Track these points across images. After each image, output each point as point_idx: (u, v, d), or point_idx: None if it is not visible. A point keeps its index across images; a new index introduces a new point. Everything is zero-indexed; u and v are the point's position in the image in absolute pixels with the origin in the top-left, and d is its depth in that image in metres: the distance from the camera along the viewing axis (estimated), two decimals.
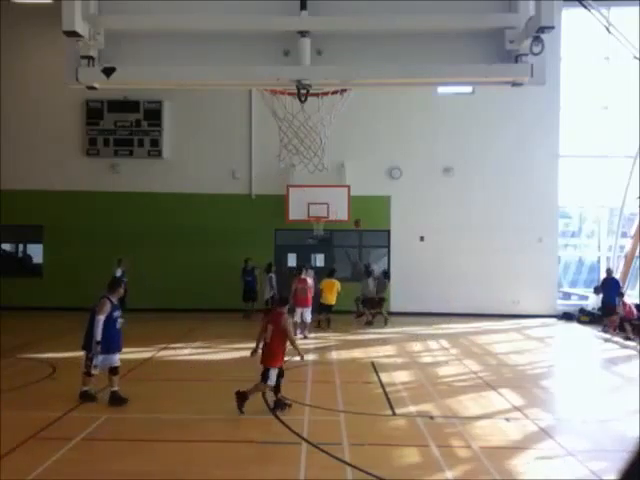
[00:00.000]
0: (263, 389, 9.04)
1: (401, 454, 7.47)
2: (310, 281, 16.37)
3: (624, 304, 17.39)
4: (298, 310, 15.78)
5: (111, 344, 9.16)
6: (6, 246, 22.74)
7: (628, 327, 16.90)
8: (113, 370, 9.27)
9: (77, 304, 19.99)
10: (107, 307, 9.13)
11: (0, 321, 16.53)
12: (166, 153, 21.30)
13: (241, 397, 8.76)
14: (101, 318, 8.99)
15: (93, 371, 9.17)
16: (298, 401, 9.47)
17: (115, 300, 9.38)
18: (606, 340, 16.82)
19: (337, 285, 17.60)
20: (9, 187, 20.85)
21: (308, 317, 16.01)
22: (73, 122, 21.25)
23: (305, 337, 15.59)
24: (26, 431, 7.75)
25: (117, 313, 9.33)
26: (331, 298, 17.49)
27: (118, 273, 18.21)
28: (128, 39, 6.95)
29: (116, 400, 9.18)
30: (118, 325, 9.32)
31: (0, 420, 8.06)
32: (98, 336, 8.96)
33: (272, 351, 8.82)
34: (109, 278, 17.93)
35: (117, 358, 9.32)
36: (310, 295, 16.19)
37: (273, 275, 19.02)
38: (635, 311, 17.28)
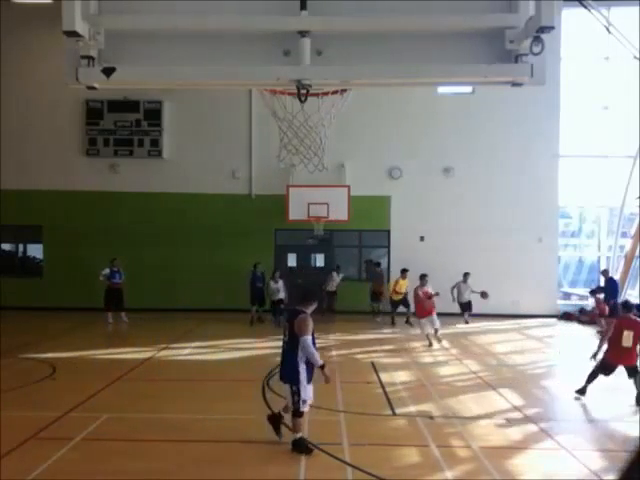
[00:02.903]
0: None
1: (401, 454, 7.47)
2: (430, 290, 15.60)
3: (597, 300, 17.86)
4: (422, 321, 15.46)
5: (311, 370, 7.38)
6: (6, 246, 22.75)
7: (602, 322, 17.51)
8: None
9: (77, 304, 20.15)
10: (311, 324, 7.31)
11: (0, 321, 16.52)
12: (166, 153, 21.30)
13: None
14: (309, 338, 7.20)
15: (303, 407, 7.29)
16: None
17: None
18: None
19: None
20: (9, 187, 20.85)
21: (434, 324, 15.29)
22: (73, 122, 21.25)
23: (439, 342, 15.27)
24: (26, 431, 7.75)
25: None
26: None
27: (105, 272, 18.18)
28: (128, 39, 6.94)
29: (301, 447, 7.31)
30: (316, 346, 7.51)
31: (0, 420, 8.06)
32: (318, 360, 7.19)
33: (635, 353, 9.83)
34: (104, 277, 18.31)
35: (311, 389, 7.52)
36: (428, 304, 15.38)
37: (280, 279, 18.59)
38: (607, 308, 17.60)
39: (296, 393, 7.26)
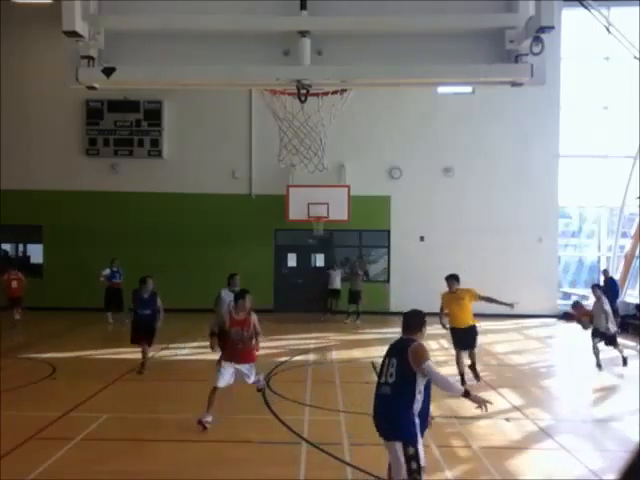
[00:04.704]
0: None
1: None
2: (254, 316, 8.62)
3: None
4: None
5: (427, 416, 5.57)
6: (6, 246, 22.75)
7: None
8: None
9: (77, 304, 20.13)
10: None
11: (0, 321, 16.52)
12: (166, 153, 21.32)
13: None
14: (432, 363, 5.45)
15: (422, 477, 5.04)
16: (298, 401, 9.47)
17: None
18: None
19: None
20: (9, 187, 20.85)
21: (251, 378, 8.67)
22: (73, 122, 21.26)
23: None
24: (26, 431, 7.75)
25: None
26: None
27: (106, 272, 18.19)
28: (128, 39, 6.94)
29: None
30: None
31: (0, 420, 8.05)
32: (456, 386, 5.52)
33: None
34: (105, 277, 18.25)
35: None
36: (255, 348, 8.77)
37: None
38: None
39: (413, 457, 4.99)
